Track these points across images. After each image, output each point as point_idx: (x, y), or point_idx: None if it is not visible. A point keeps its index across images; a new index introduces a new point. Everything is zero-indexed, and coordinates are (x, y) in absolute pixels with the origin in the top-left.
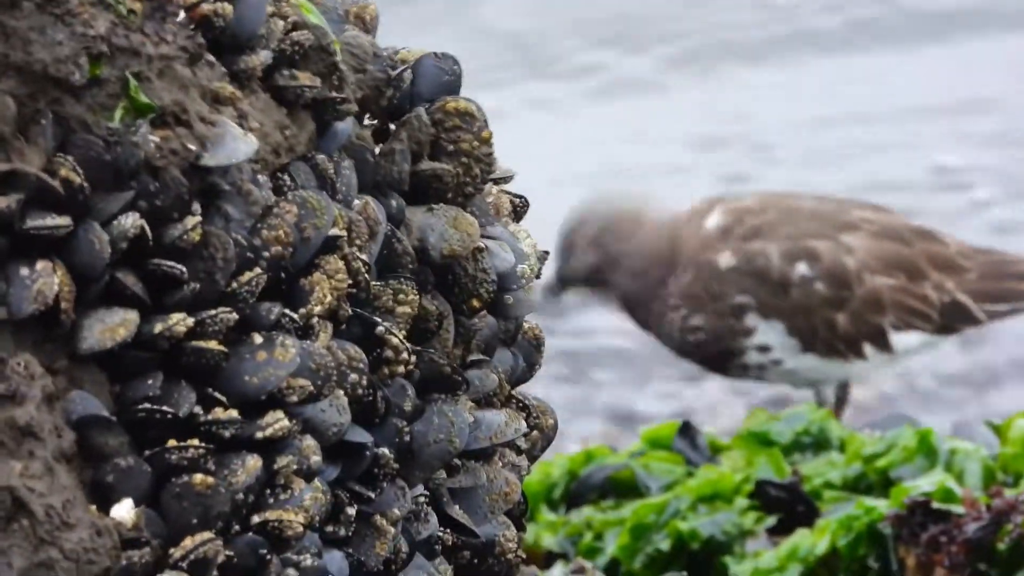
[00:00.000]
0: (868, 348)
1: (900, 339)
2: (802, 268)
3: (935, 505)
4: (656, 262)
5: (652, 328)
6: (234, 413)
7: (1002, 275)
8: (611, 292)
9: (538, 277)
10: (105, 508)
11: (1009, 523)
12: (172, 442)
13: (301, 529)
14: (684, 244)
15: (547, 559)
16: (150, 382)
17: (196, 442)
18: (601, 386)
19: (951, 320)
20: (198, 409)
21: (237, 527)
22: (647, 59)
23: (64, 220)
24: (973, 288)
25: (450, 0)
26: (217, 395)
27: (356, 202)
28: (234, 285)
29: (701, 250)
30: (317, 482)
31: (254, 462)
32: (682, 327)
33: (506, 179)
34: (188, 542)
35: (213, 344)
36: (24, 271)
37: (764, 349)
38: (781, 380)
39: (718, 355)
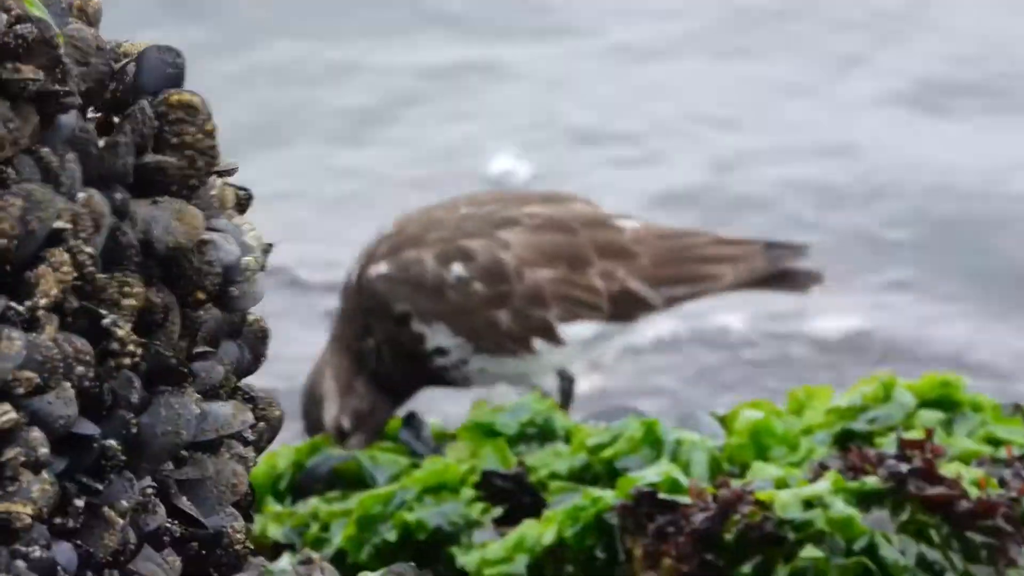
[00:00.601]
0: (537, 343)
1: (569, 330)
2: (457, 269)
3: (662, 495)
4: (350, 383)
5: (384, 395)
6: None
7: (680, 259)
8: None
9: (263, 269)
10: None
11: (736, 513)
12: None
13: (29, 521)
14: (341, 320)
15: (274, 550)
16: None
17: None
18: None
19: (623, 308)
20: None
21: None
22: None
23: None
24: (647, 274)
25: None
26: None
27: (81, 195)
28: None
29: (350, 299)
30: (45, 474)
31: None
32: (373, 356)
33: (230, 172)
34: None
35: None
36: None
37: (442, 352)
38: (481, 381)
39: (412, 360)
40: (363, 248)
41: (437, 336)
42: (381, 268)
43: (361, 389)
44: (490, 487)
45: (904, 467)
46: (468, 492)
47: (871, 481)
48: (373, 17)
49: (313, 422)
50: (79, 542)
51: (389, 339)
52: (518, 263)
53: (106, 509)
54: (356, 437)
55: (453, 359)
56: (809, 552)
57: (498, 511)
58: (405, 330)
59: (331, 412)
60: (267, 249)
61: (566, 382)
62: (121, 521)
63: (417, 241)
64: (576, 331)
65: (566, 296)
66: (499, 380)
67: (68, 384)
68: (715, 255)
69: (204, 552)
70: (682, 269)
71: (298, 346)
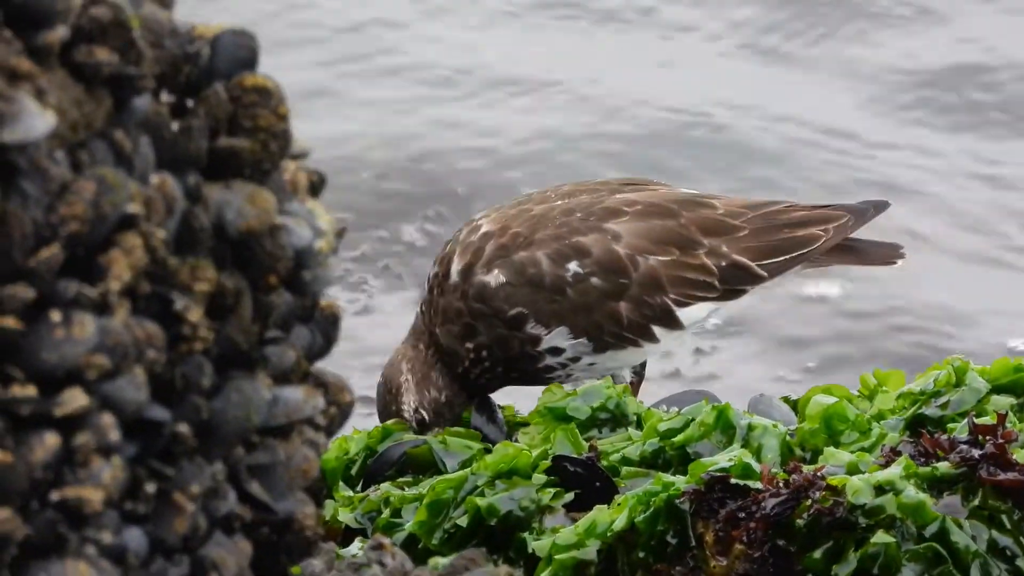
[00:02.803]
0: (658, 330)
1: (687, 313)
2: (573, 266)
3: (733, 481)
4: (428, 374)
5: (462, 390)
6: (32, 390)
7: (773, 227)
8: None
9: (335, 253)
10: None
11: (807, 498)
12: None
13: (100, 506)
14: (437, 317)
15: (345, 535)
16: None
17: None
18: None
19: (733, 283)
20: None
21: (36, 504)
22: None
23: None
24: (748, 247)
25: None
26: (15, 372)
27: (153, 178)
28: (32, 262)
29: (454, 300)
30: (116, 459)
31: (52, 439)
32: (469, 356)
33: (303, 155)
34: None
35: (10, 321)
36: None
37: (556, 351)
38: (586, 375)
39: (517, 361)
40: (452, 243)
41: (554, 338)
42: (497, 275)
43: (439, 381)
44: (562, 472)
45: (976, 452)
46: (539, 477)
47: (943, 466)
48: None
49: (391, 414)
50: (149, 527)
51: (498, 340)
52: (631, 252)
53: (177, 494)
54: (436, 429)
55: (564, 358)
56: (880, 537)
57: (569, 496)
58: (517, 333)
59: (410, 404)
60: (340, 233)
61: (639, 365)
62: (191, 506)
63: (527, 242)
64: (692, 313)
65: (681, 279)
66: (601, 373)
67: (139, 369)
68: (806, 219)
69: (275, 537)
70: (779, 237)
71: None
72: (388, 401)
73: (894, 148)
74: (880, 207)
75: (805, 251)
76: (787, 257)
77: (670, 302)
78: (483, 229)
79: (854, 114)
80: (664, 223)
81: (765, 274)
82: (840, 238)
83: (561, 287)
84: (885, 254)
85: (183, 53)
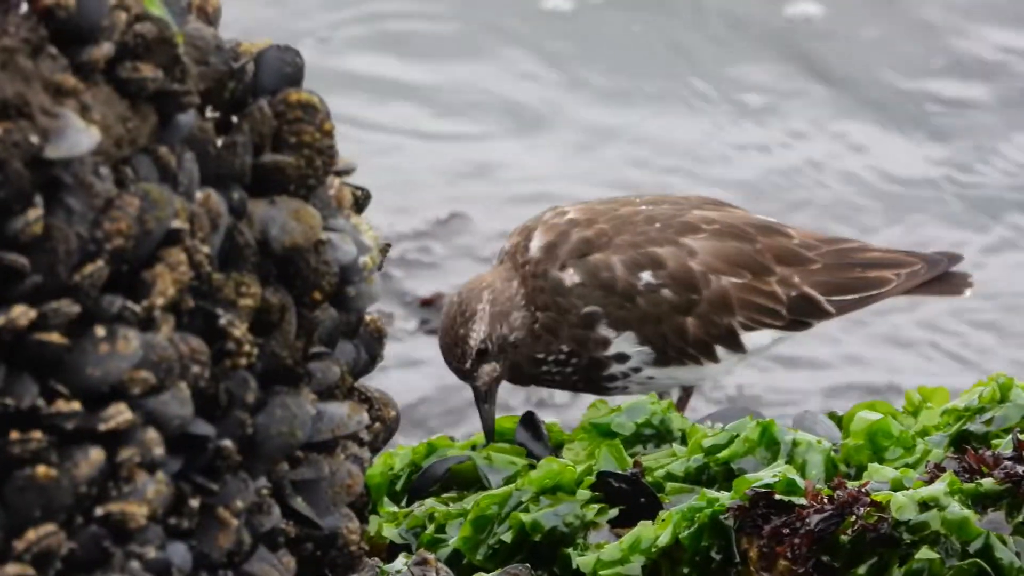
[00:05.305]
0: (720, 350)
1: (751, 338)
2: (647, 276)
3: (777, 497)
4: (508, 311)
5: (530, 375)
6: (76, 405)
7: (846, 265)
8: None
9: (380, 269)
10: None
11: (852, 515)
12: (15, 434)
13: (144, 521)
14: (523, 285)
15: (390, 550)
16: None
17: (39, 434)
18: None
19: (800, 314)
20: (40, 401)
21: (80, 519)
22: None
23: None
24: (820, 280)
25: None
26: (60, 387)
27: (198, 194)
28: (76, 277)
29: (536, 278)
30: (160, 474)
31: (97, 454)
32: (548, 351)
33: (348, 171)
34: (31, 534)
35: (55, 336)
36: None
37: (622, 358)
38: (641, 389)
39: (588, 368)
40: (534, 221)
41: (622, 342)
42: (572, 275)
43: (515, 323)
44: (606, 488)
45: (1020, 468)
46: (584, 493)
47: (987, 483)
48: None
49: (455, 337)
50: (194, 542)
51: (578, 341)
52: (704, 270)
53: (221, 509)
54: (490, 365)
55: (629, 366)
56: (924, 554)
57: (614, 512)
58: (591, 332)
59: (480, 332)
60: (384, 249)
61: (685, 387)
62: (236, 521)
63: (605, 244)
64: (756, 338)
65: (750, 303)
66: (659, 388)
67: (183, 384)
68: (880, 260)
69: (319, 553)
70: (852, 276)
71: None
72: (457, 323)
73: None
74: (954, 259)
75: (875, 293)
76: (856, 297)
77: (736, 324)
78: (569, 215)
79: None
80: (740, 246)
81: (832, 310)
82: (911, 284)
83: (632, 295)
84: (954, 284)
85: (228, 69)
